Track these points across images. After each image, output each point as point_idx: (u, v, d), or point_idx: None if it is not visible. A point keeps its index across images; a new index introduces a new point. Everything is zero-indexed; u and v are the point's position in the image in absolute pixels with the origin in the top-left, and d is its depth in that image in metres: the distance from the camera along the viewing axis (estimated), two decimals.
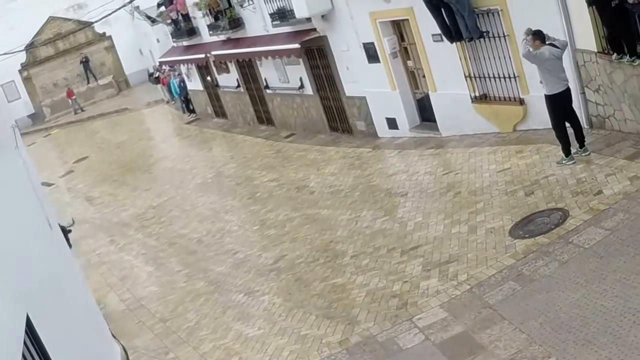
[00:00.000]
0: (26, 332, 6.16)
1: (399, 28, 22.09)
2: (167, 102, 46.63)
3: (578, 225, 12.76)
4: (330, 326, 12.98)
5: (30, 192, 9.00)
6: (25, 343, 6.01)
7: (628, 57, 14.67)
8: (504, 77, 18.65)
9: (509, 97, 18.81)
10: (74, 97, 55.61)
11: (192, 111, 41.18)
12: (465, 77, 19.69)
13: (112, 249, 23.55)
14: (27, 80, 57.65)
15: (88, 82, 58.72)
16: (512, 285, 11.84)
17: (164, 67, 44.49)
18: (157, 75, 47.21)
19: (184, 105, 42.11)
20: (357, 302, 13.46)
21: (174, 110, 44.45)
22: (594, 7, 15.08)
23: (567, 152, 15.48)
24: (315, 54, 26.16)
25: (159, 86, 47.60)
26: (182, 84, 41.09)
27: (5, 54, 37.72)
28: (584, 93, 16.67)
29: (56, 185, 35.50)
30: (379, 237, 16.14)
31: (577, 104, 16.50)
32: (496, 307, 11.39)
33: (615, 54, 15.07)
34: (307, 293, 14.72)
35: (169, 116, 44.03)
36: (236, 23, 30.12)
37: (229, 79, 34.46)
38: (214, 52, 32.40)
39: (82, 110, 55.13)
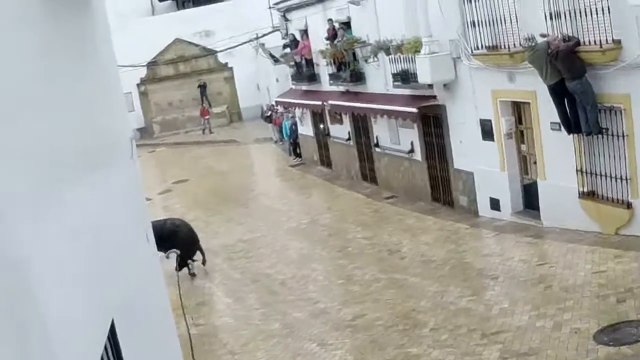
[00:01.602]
0: (108, 337, 6.31)
1: (519, 110, 22.03)
2: (276, 141, 47.08)
3: None
4: None
5: (136, 203, 9.22)
6: (105, 347, 6.15)
7: None
8: (615, 177, 18.41)
9: (617, 199, 18.55)
10: (207, 117, 56.65)
11: (298, 155, 41.52)
12: (577, 170, 19.50)
13: (197, 274, 23.79)
14: (143, 95, 59.04)
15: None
16: None
17: (277, 107, 45.06)
18: (270, 114, 47.76)
19: (291, 147, 42.50)
20: None
21: (280, 150, 44.91)
22: None
23: None
24: (431, 121, 26.18)
25: (270, 125, 48.14)
26: (293, 126, 41.50)
27: (129, 66, 38.55)
28: None
29: (153, 201, 36.02)
30: (462, 316, 16.02)
31: None
32: None
33: None
34: (380, 357, 14.67)
35: (275, 156, 44.46)
36: (357, 77, 30.41)
37: (340, 130, 34.70)
38: (330, 102, 32.67)
39: (211, 132, 55.89)
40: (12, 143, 4.80)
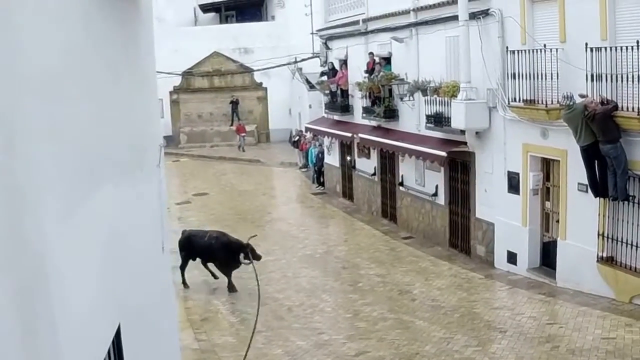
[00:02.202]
0: (113, 341, 6.37)
1: (547, 166, 22.08)
2: (300, 167, 47.25)
3: None
4: None
5: (157, 212, 9.31)
6: (109, 350, 6.22)
7: None
8: (637, 246, 18.42)
9: (636, 267, 18.55)
10: (243, 134, 56.62)
11: (321, 184, 41.63)
12: (598, 234, 19.51)
13: (203, 288, 23.85)
14: (174, 104, 59.46)
15: (232, 124, 59.89)
16: None
17: (306, 133, 45.26)
18: (297, 139, 47.96)
19: (315, 175, 42.62)
20: None
21: (303, 177, 45.04)
22: None
23: None
24: (458, 166, 26.29)
25: (296, 150, 48.31)
26: (320, 154, 41.67)
27: (166, 73, 38.75)
28: None
29: (170, 210, 36.09)
30: None
31: None
32: None
33: None
34: None
35: (298, 181, 44.57)
36: (391, 114, 30.58)
37: (366, 165, 34.81)
38: (360, 135, 32.79)
39: (244, 151, 55.81)
40: (48, 137, 4.89)
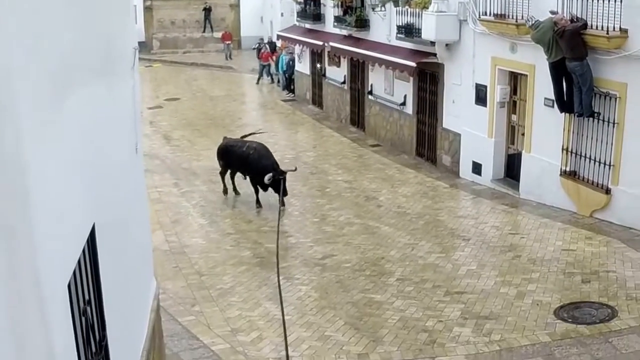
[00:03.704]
0: (88, 240, 6.23)
1: (515, 80, 21.97)
2: (259, 78, 46.55)
3: (622, 328, 12.54)
4: (355, 337, 12.91)
5: (131, 114, 9.10)
6: (83, 251, 6.08)
7: None
8: (599, 162, 18.42)
9: (597, 183, 18.58)
10: (229, 42, 55.39)
11: (291, 91, 41.33)
12: (562, 149, 19.50)
13: (174, 191, 23.72)
14: (147, 10, 58.46)
15: (204, 31, 59.47)
16: None
17: (266, 43, 46.00)
18: (259, 46, 47.20)
19: (285, 83, 42.23)
20: (388, 324, 13.38)
21: (269, 84, 44.56)
22: None
23: None
24: (427, 77, 26.15)
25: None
26: (291, 62, 41.25)
27: None
28: None
29: (142, 114, 35.71)
30: (429, 271, 16.05)
31: None
32: None
33: None
34: (344, 298, 14.66)
35: (268, 88, 44.20)
36: (362, 23, 30.28)
37: (336, 73, 34.59)
38: (331, 43, 32.45)
39: (231, 59, 54.72)
40: (20, 39, 4.68)
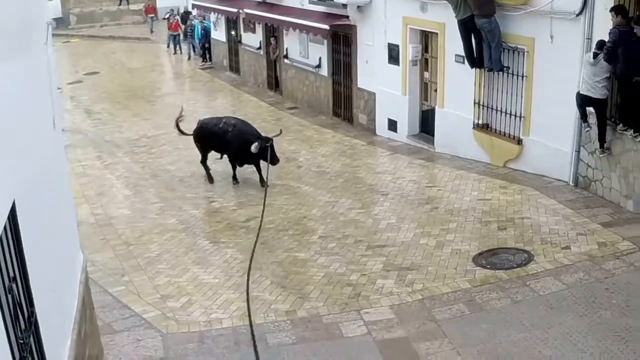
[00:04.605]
0: (8, 217, 6.10)
1: (427, 39, 22.08)
2: (168, 46, 46.23)
3: (539, 271, 12.78)
4: (282, 295, 12.94)
5: (47, 90, 8.91)
6: (5, 228, 5.96)
7: (632, 131, 14.70)
8: (510, 114, 18.66)
9: (509, 134, 18.84)
10: (152, 15, 53.96)
11: (208, 59, 40.96)
12: (474, 103, 19.71)
13: (97, 164, 23.39)
14: None
15: (120, 4, 58.54)
16: (461, 307, 11.85)
17: (176, 14, 45.70)
18: (168, 17, 46.53)
19: (202, 52, 41.81)
20: (313, 280, 13.43)
21: (193, 53, 44.16)
22: (615, 74, 15.11)
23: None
24: (341, 39, 26.16)
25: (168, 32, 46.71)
26: (203, 30, 40.83)
27: None
28: (578, 152, 16.68)
29: (62, 90, 35.15)
30: (351, 227, 16.13)
31: (569, 160, 16.66)
32: (441, 324, 11.38)
33: (621, 124, 15.10)
34: (269, 258, 14.66)
35: (186, 57, 43.72)
36: None
37: (252, 39, 34.33)
38: (246, 10, 32.19)
39: (154, 31, 53.04)
40: None
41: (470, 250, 14.05)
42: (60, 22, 55.43)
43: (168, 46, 46.15)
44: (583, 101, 15.64)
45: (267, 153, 19.14)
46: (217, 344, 11.46)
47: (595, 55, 15.04)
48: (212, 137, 20.64)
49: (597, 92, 15.19)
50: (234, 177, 20.52)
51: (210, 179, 20.89)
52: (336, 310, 12.18)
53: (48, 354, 7.08)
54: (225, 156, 20.92)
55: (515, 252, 13.76)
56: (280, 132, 20.77)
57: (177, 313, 12.63)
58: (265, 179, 19.23)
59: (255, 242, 13.74)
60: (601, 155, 15.77)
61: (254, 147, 19.16)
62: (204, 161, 21.05)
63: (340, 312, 12.13)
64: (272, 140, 19.54)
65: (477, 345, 10.64)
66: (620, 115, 15.41)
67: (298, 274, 13.82)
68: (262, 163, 19.77)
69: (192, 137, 21.43)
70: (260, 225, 13.04)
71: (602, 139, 15.60)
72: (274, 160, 19.54)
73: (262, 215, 14.11)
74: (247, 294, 12.38)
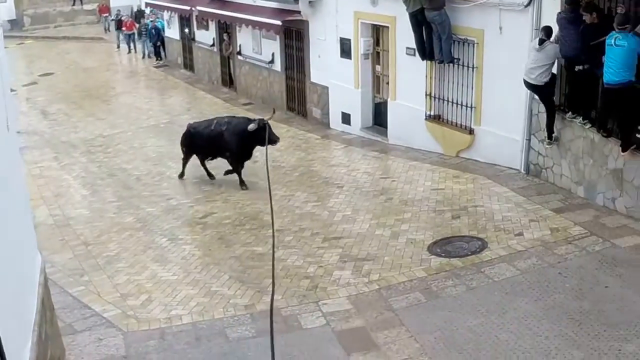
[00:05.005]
0: None
1: (378, 33, 22.12)
2: (118, 46, 46.04)
3: (493, 258, 12.86)
4: (240, 289, 12.89)
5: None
6: None
7: (581, 119, 14.83)
8: (462, 105, 18.77)
9: (461, 125, 18.95)
10: (106, 15, 53.26)
11: (160, 58, 40.66)
12: (426, 94, 19.79)
13: (54, 165, 23.20)
14: None
15: (74, 4, 57.97)
16: (418, 296, 11.88)
17: (123, 14, 45.54)
18: (119, 18, 46.21)
19: (153, 50, 41.54)
20: (271, 274, 13.41)
21: (146, 51, 43.92)
22: (564, 63, 15.26)
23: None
24: (293, 35, 26.12)
25: (120, 31, 46.02)
26: (154, 30, 40.53)
27: None
28: (529, 140, 16.81)
29: (17, 92, 34.83)
30: (307, 220, 16.13)
31: (520, 149, 16.78)
32: (398, 313, 11.41)
33: (570, 112, 15.22)
34: (227, 253, 14.62)
35: (140, 56, 43.44)
36: None
37: (205, 36, 34.24)
38: (198, 7, 32.06)
39: (109, 31, 52.39)
40: None
41: (425, 239, 14.09)
42: (14, 24, 54.87)
43: (118, 47, 45.82)
44: (527, 88, 15.79)
45: (264, 134, 17.69)
46: (177, 340, 11.40)
47: (542, 42, 15.15)
48: (203, 141, 19.67)
49: (538, 78, 15.32)
50: (242, 183, 19.26)
51: (182, 174, 20.40)
52: (294, 303, 12.16)
53: (8, 356, 7.00)
54: (214, 158, 20.11)
55: (469, 239, 13.84)
56: (274, 111, 20.13)
57: (137, 311, 12.54)
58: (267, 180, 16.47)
59: (273, 242, 13.42)
60: (548, 146, 15.93)
61: (251, 126, 18.55)
62: (185, 159, 20.33)
63: (298, 304, 12.11)
64: (265, 121, 18.73)
65: (435, 332, 10.67)
66: (568, 103, 15.55)
67: (256, 268, 13.77)
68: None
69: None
70: (272, 220, 12.75)
71: (549, 128, 15.73)
72: (273, 139, 18.54)
73: (272, 212, 13.72)
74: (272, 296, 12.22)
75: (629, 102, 13.40)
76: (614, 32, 13.18)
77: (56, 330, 10.87)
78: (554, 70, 15.49)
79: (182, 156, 20.45)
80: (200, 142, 19.79)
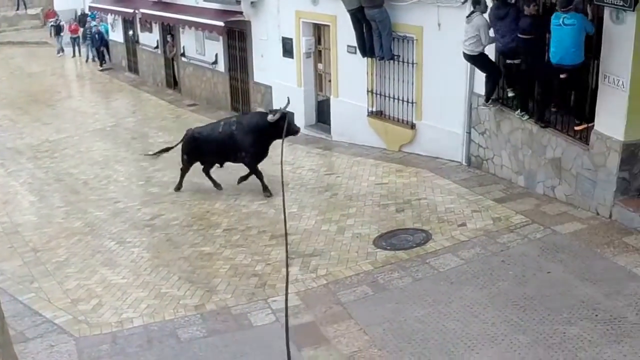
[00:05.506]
0: None
1: (319, 31, 22.15)
2: (58, 51, 45.53)
3: (437, 249, 12.95)
4: (190, 290, 12.82)
5: None
6: None
7: (519, 111, 14.99)
8: (403, 100, 18.86)
9: (402, 120, 19.05)
10: (52, 19, 51.48)
11: (103, 61, 40.34)
12: (368, 91, 19.87)
13: (0, 172, 22.88)
14: None
15: (17, 9, 57.15)
16: (365, 289, 11.91)
17: (60, 21, 45.51)
18: (58, 23, 45.92)
19: (95, 54, 41.22)
20: (220, 273, 13.34)
21: (90, 55, 43.51)
22: (500, 58, 15.42)
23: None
24: (236, 35, 26.12)
25: (63, 35, 45.74)
26: (97, 35, 40.22)
27: None
28: (469, 133, 16.95)
29: None
30: (253, 218, 16.10)
31: (461, 141, 16.90)
32: (347, 306, 11.43)
33: (507, 107, 15.42)
34: (175, 254, 14.53)
35: (84, 58, 43.03)
36: None
37: (149, 38, 34.10)
38: (141, 10, 31.87)
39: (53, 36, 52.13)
40: None
41: (371, 233, 14.14)
42: None
43: (58, 52, 45.34)
44: (466, 60, 15.92)
45: (283, 125, 16.31)
46: (129, 343, 11.29)
47: (470, 14, 15.28)
48: (212, 145, 17.93)
49: (470, 48, 15.46)
50: (266, 188, 17.65)
51: (179, 187, 18.85)
52: (244, 301, 12.12)
53: None
54: (222, 165, 18.95)
55: (413, 232, 13.91)
56: (288, 100, 17.81)
57: (89, 316, 12.39)
58: (279, 180, 15.37)
59: (286, 245, 13.19)
60: (483, 107, 16.05)
61: (270, 117, 16.94)
62: (185, 169, 18.70)
63: (248, 302, 12.07)
64: (281, 111, 17.20)
65: (383, 323, 10.70)
66: (506, 96, 15.74)
67: (205, 268, 13.71)
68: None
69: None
70: (284, 219, 12.48)
71: (488, 93, 15.88)
72: (294, 130, 17.47)
73: (285, 215, 13.29)
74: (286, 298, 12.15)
75: (580, 83, 13.57)
76: (558, 12, 13.15)
77: (7, 339, 10.71)
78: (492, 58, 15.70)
79: (181, 165, 18.77)
80: (208, 147, 17.98)
